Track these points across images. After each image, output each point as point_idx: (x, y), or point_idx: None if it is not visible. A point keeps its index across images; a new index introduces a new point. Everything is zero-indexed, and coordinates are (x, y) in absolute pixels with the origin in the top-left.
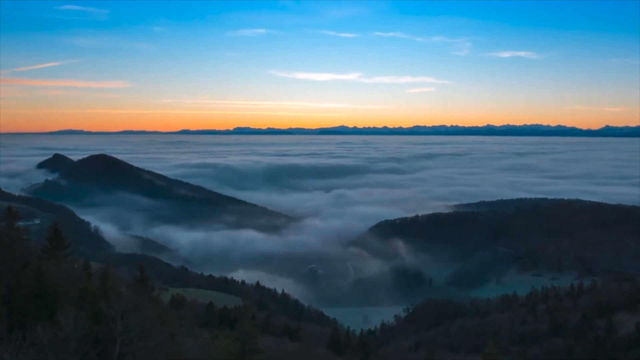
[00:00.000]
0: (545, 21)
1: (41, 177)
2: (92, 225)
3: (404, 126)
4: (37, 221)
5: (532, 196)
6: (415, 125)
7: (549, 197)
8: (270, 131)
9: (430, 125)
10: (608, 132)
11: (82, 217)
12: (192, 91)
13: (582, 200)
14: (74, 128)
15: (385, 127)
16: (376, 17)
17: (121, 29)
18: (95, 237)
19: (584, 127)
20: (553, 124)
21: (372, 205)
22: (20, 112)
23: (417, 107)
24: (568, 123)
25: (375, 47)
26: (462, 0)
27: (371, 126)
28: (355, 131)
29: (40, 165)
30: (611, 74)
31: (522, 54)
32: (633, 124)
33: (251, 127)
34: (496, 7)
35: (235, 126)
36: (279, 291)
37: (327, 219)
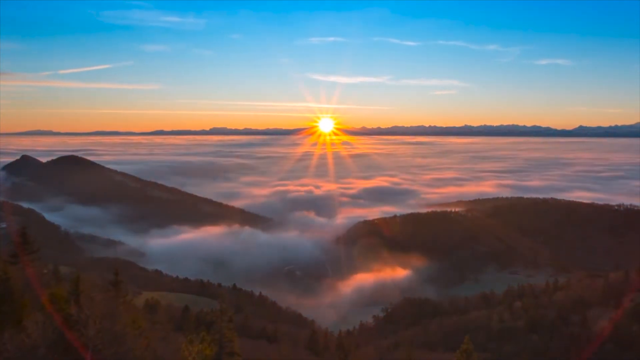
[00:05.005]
0: (529, 25)
1: (7, 179)
2: (62, 228)
3: (382, 127)
4: (3, 225)
5: (504, 195)
6: (393, 125)
7: (525, 195)
8: (247, 132)
9: (409, 125)
10: (581, 132)
11: (51, 220)
12: (205, 94)
13: (556, 199)
14: (42, 129)
15: (364, 128)
16: (441, 26)
17: (204, 36)
18: (65, 240)
19: (559, 127)
20: (529, 124)
21: None
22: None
23: (421, 108)
24: (544, 123)
25: (434, 54)
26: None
27: (349, 127)
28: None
29: (6, 167)
30: (588, 76)
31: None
32: (605, 124)
33: (227, 127)
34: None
35: (212, 126)
36: (256, 293)
37: (304, 219)
